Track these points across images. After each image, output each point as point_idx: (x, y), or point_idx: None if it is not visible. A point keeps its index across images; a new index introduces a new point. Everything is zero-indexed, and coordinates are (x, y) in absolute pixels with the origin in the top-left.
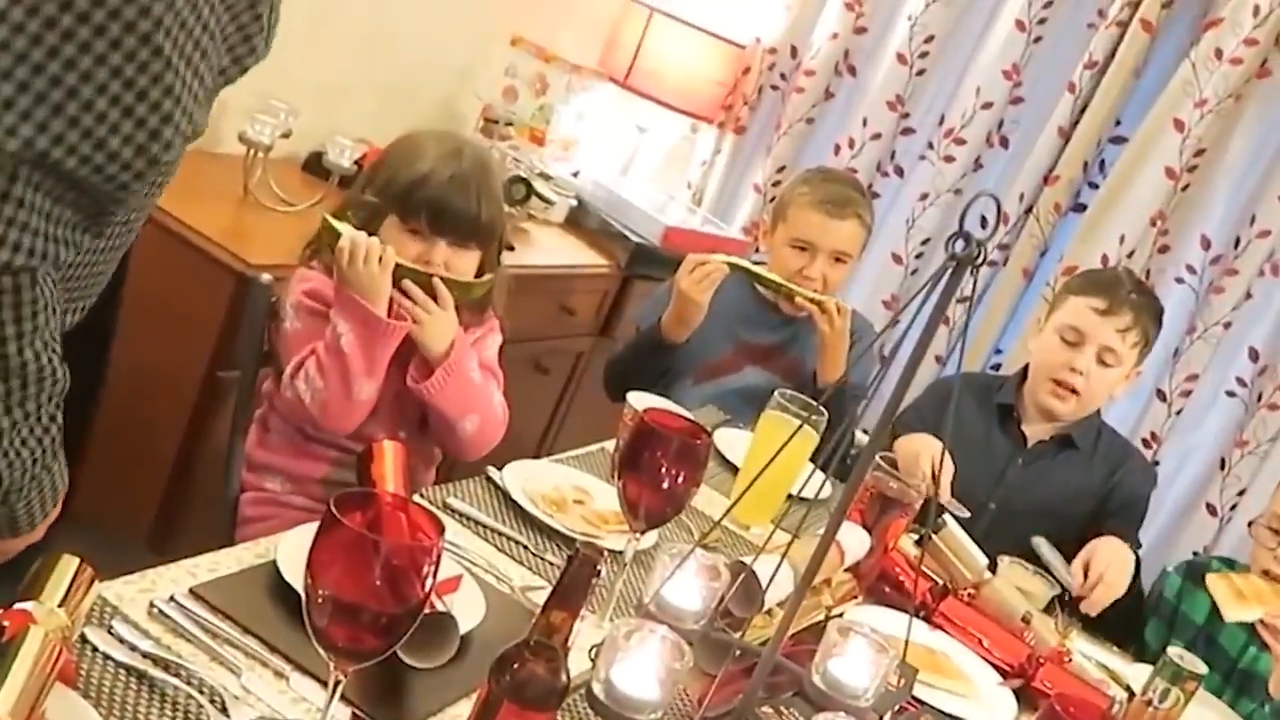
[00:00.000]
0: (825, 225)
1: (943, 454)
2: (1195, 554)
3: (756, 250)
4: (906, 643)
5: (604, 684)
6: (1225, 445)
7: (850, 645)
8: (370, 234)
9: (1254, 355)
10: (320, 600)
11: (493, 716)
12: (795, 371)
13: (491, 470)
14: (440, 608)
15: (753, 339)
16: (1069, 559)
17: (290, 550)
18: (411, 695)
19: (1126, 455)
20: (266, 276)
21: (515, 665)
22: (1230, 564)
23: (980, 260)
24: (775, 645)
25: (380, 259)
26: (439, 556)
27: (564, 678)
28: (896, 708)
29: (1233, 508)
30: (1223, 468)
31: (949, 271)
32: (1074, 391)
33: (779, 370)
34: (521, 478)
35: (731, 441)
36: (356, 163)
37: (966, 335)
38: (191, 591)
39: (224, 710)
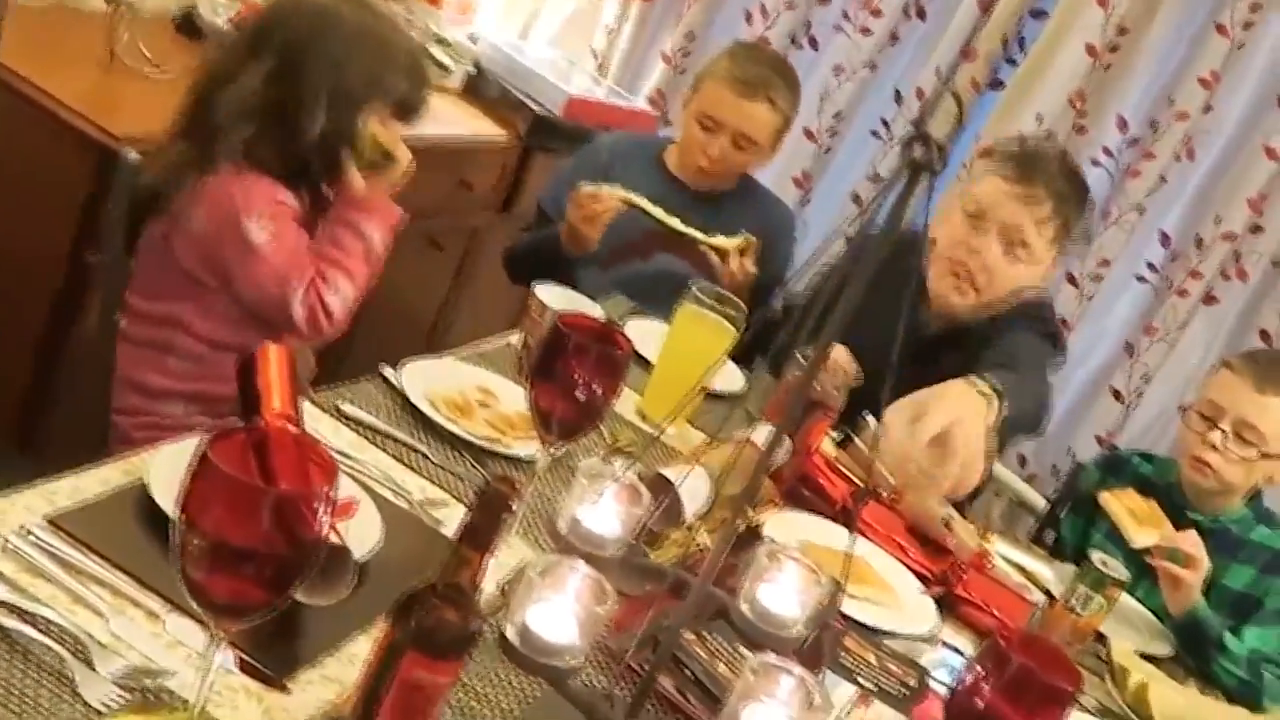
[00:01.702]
0: (735, 105)
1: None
2: (1099, 439)
3: (667, 124)
4: (845, 570)
5: (518, 629)
6: (1133, 331)
7: (780, 573)
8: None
9: (1166, 241)
10: (195, 551)
11: (396, 666)
12: (707, 262)
13: (387, 369)
14: (335, 540)
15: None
16: None
17: (164, 470)
18: (304, 633)
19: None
20: (133, 154)
21: (421, 611)
22: (1149, 458)
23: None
24: (707, 576)
25: None
26: (334, 498)
27: (475, 623)
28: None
29: (1138, 394)
30: (1130, 354)
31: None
32: (974, 286)
33: (689, 257)
34: (421, 379)
35: (643, 334)
36: (232, 22)
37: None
38: (49, 522)
39: (88, 662)
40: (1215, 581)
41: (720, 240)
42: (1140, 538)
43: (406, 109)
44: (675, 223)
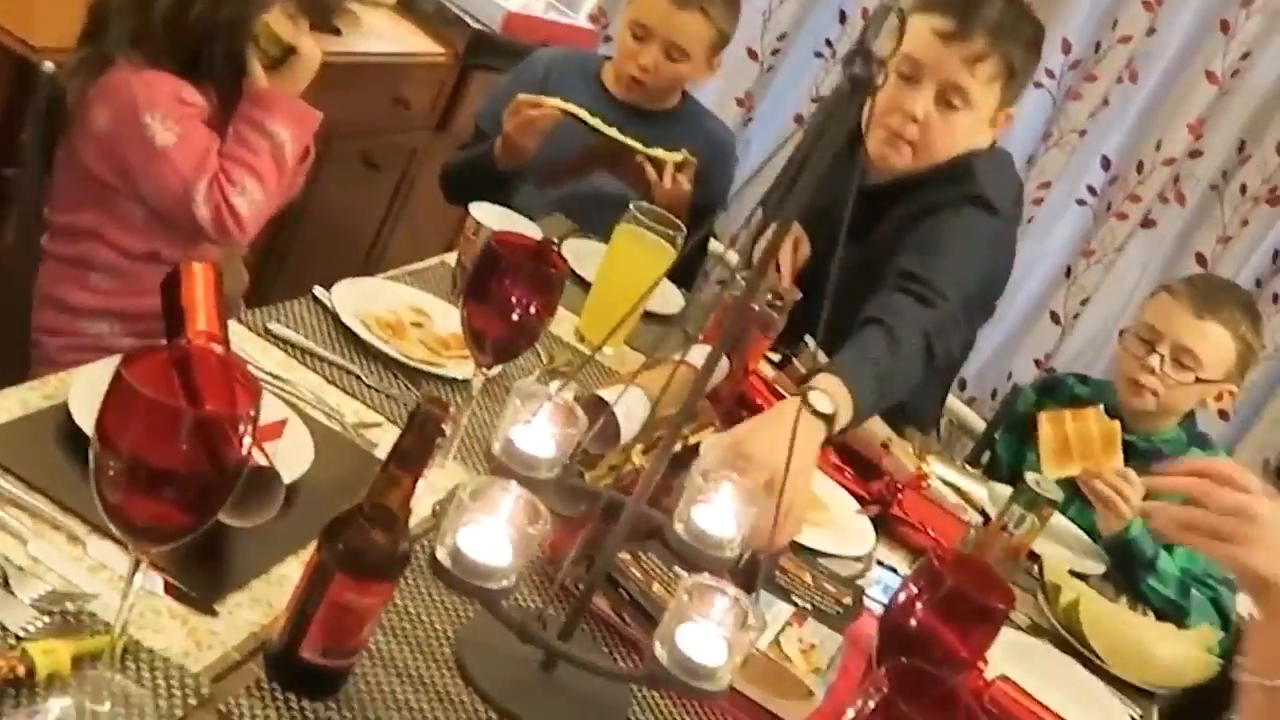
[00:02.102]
0: (667, 13)
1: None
2: (1037, 362)
3: (607, 41)
4: (780, 490)
5: (450, 550)
6: (1072, 254)
7: (716, 494)
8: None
9: (1106, 164)
10: (112, 473)
11: (324, 588)
12: (643, 180)
13: (319, 290)
14: (261, 462)
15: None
16: None
17: (85, 390)
18: (232, 556)
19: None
20: (49, 65)
21: (349, 533)
22: (1085, 380)
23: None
24: (641, 497)
25: None
26: (256, 418)
27: (404, 545)
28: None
29: (1076, 317)
30: (1069, 277)
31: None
32: (908, 142)
33: (626, 175)
34: (353, 298)
35: (581, 254)
36: None
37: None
38: None
39: (6, 585)
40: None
41: (658, 152)
42: (1053, 470)
43: (317, 6)
44: (613, 132)
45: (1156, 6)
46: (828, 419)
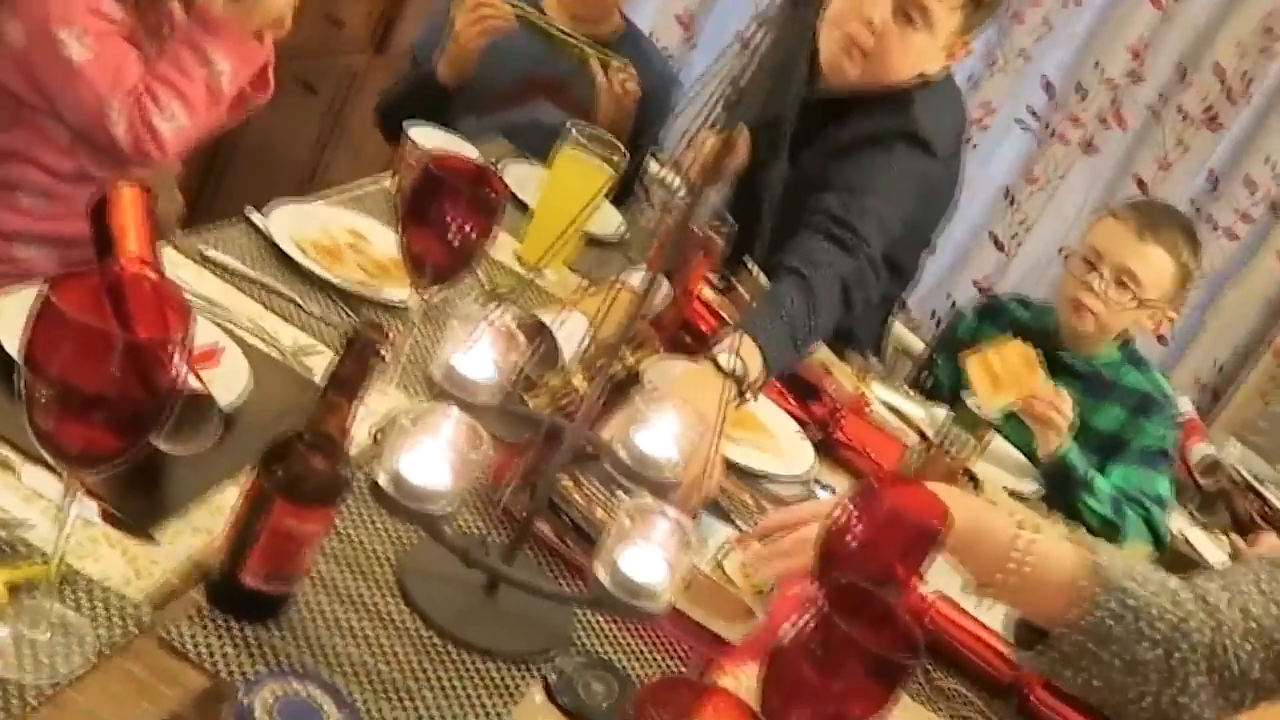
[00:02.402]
0: None
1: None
2: (978, 285)
3: None
4: (722, 413)
5: (391, 475)
6: (1014, 177)
7: (658, 418)
8: None
9: (1048, 87)
10: (43, 400)
11: (264, 514)
12: (585, 110)
13: (252, 212)
14: (198, 388)
15: (540, 71)
16: None
17: (14, 315)
18: (170, 482)
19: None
20: None
21: (289, 459)
22: (1026, 304)
23: None
24: (583, 421)
25: None
26: (190, 341)
27: (344, 471)
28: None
29: (1018, 242)
30: (1010, 200)
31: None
32: (863, 51)
33: (569, 106)
34: (288, 222)
35: (522, 178)
36: None
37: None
38: None
39: None
40: (1085, 423)
41: (610, 56)
42: (992, 403)
43: None
44: (564, 32)
45: None
46: (737, 380)
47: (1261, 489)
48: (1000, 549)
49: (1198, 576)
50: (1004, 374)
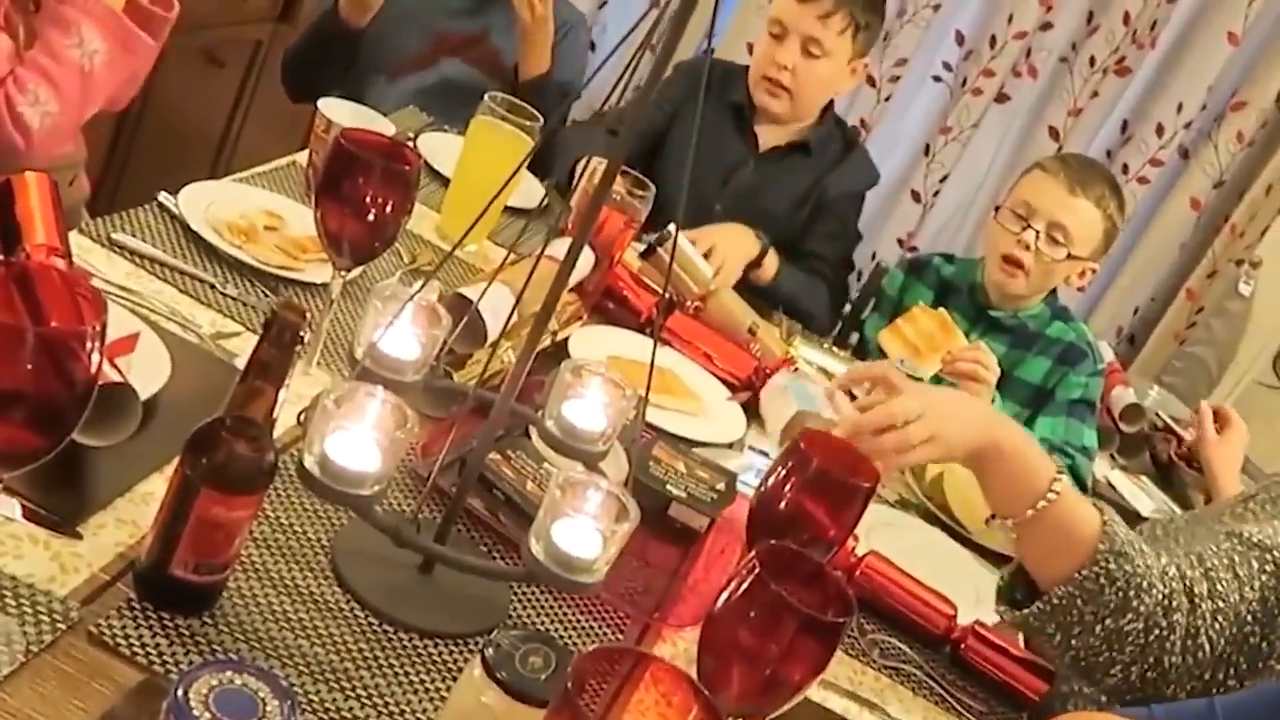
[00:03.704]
0: None
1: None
2: (900, 241)
3: None
4: (649, 383)
5: (318, 458)
6: (929, 131)
7: (585, 389)
8: None
9: (960, 39)
10: None
11: (190, 504)
12: (495, 63)
13: (164, 196)
14: (115, 378)
15: (449, 28)
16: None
17: None
18: (93, 476)
19: (846, 152)
20: None
21: (213, 447)
22: (950, 259)
23: None
24: (509, 394)
25: None
26: (103, 332)
27: (270, 456)
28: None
29: (935, 194)
30: (927, 154)
31: None
32: (785, 89)
33: (478, 62)
34: (201, 204)
35: (437, 148)
36: None
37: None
38: None
39: None
40: (1012, 375)
41: None
42: (916, 373)
43: None
44: None
45: None
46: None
47: (1179, 429)
48: (1038, 486)
49: (1179, 550)
50: (920, 341)
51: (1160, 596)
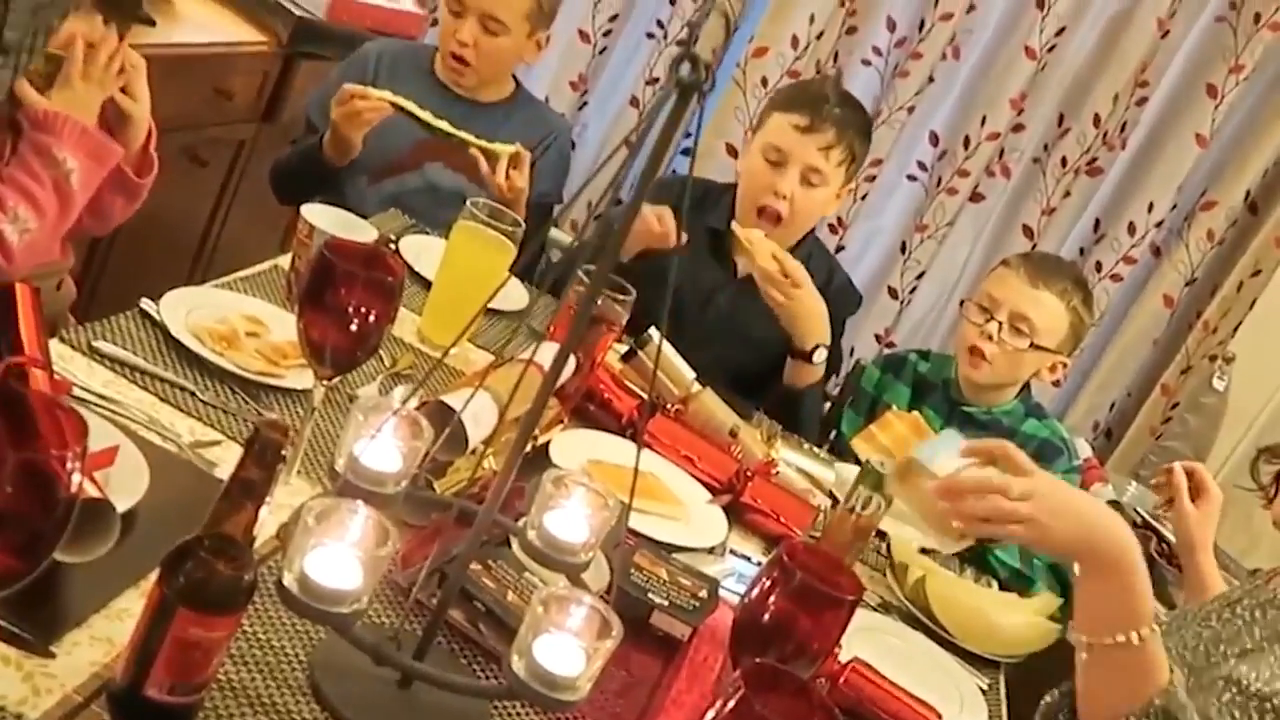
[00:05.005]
0: None
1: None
2: (878, 337)
3: (435, 25)
4: (632, 489)
5: (297, 576)
6: (906, 229)
7: (567, 499)
8: None
9: (934, 139)
10: None
11: (167, 624)
12: (478, 170)
13: (145, 302)
14: (94, 493)
15: (431, 138)
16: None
17: None
18: (67, 593)
19: (829, 280)
20: None
21: (191, 566)
22: (925, 355)
23: (709, 86)
24: (492, 504)
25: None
26: (84, 452)
27: (249, 575)
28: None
29: (912, 291)
30: (903, 251)
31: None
32: (779, 220)
33: (461, 167)
34: (182, 310)
35: (419, 250)
36: None
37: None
38: None
39: None
40: None
41: (492, 145)
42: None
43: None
44: (443, 125)
45: None
46: None
47: (1159, 526)
48: (1128, 621)
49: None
50: (894, 446)
51: None
